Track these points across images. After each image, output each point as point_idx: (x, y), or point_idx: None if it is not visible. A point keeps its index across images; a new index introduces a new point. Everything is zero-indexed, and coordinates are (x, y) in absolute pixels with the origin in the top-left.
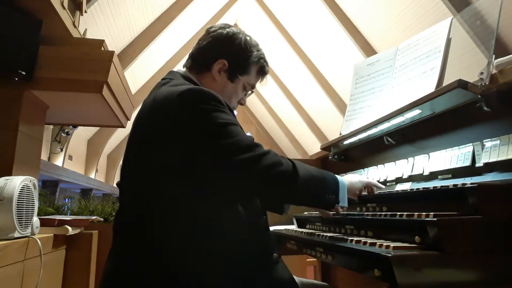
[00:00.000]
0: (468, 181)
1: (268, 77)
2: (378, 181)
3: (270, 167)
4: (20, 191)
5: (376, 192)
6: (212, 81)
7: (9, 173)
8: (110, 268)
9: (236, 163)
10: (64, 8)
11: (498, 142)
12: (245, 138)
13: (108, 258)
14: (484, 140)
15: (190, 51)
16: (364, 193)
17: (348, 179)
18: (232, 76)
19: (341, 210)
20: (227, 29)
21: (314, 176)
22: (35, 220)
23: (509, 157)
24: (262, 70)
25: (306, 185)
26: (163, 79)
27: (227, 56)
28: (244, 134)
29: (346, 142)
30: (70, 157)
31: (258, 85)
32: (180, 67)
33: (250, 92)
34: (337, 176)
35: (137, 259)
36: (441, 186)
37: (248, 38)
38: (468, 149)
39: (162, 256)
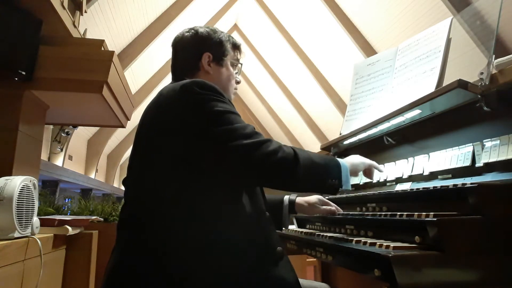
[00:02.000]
0: (468, 181)
1: (267, 76)
2: (378, 181)
3: (270, 153)
4: (20, 191)
5: (376, 192)
6: (206, 75)
7: (9, 173)
8: (111, 265)
9: (235, 149)
10: (64, 8)
11: (498, 142)
12: (244, 126)
13: (110, 255)
14: (484, 140)
15: (171, 70)
16: (365, 180)
17: (350, 160)
18: (219, 60)
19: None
20: (188, 33)
21: (315, 162)
22: (35, 220)
23: (509, 157)
24: (235, 44)
25: (308, 171)
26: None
27: (207, 49)
28: (244, 123)
29: (346, 142)
30: (70, 157)
31: (258, 85)
32: None
33: (239, 66)
34: (338, 159)
35: (137, 257)
36: (441, 186)
37: (207, 28)
38: (468, 149)
39: (162, 254)
